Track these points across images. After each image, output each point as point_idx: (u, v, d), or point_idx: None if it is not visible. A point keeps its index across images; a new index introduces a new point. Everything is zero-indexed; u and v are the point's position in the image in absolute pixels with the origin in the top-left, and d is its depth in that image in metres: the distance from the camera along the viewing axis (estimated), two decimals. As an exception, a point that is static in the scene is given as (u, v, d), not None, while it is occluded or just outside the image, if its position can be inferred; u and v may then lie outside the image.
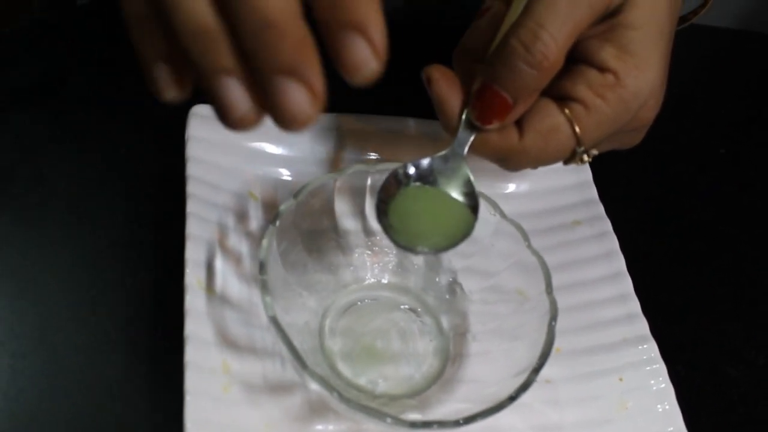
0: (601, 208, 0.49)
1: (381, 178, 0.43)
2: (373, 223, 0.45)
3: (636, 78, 0.38)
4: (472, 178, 0.38)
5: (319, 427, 0.38)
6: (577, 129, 0.37)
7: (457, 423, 0.35)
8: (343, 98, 0.51)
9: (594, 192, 0.50)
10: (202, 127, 0.45)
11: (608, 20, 0.38)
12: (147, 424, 0.38)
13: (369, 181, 0.43)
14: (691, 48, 0.69)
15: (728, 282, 0.52)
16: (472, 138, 0.37)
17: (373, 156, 0.48)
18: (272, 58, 0.26)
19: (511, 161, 0.38)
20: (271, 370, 0.39)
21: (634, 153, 0.58)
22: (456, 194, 0.38)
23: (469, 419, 0.35)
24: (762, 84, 0.69)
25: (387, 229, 0.36)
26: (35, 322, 0.40)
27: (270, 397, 0.38)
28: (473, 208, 0.38)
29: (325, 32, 0.27)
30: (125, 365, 0.39)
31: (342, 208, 0.43)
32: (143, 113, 0.49)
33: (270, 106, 0.26)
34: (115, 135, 0.48)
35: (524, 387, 0.36)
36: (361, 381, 0.40)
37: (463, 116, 0.37)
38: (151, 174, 0.46)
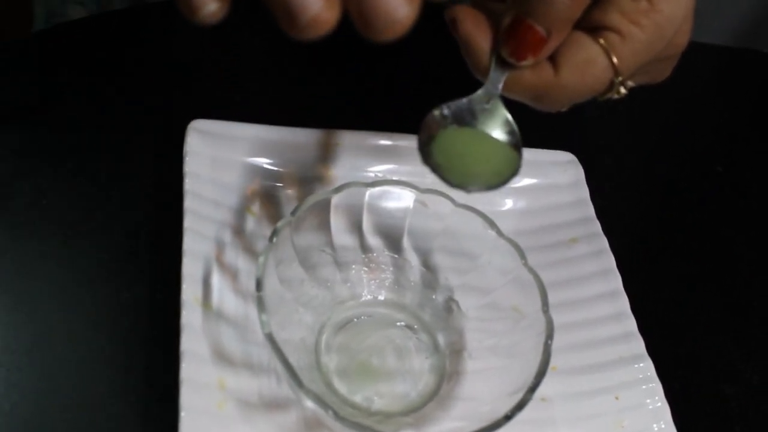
0: (598, 226, 0.49)
1: (378, 194, 0.44)
2: (372, 240, 0.45)
3: (670, 2, 0.36)
4: (509, 117, 0.37)
5: (314, 444, 0.38)
6: (614, 59, 0.36)
7: (452, 442, 0.35)
8: (343, 114, 0.52)
9: (591, 210, 0.50)
10: (200, 142, 0.45)
11: None
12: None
13: (366, 198, 0.43)
14: (688, 65, 0.69)
15: (725, 301, 0.52)
16: (505, 76, 0.36)
17: (371, 172, 0.48)
18: None
19: (547, 98, 0.37)
20: (267, 386, 0.39)
21: (630, 167, 0.58)
22: (497, 134, 0.37)
23: (465, 438, 0.35)
24: (760, 102, 0.69)
25: (435, 169, 0.35)
26: (30, 337, 0.40)
27: (265, 414, 0.38)
28: (515, 146, 0.37)
29: None
30: (120, 381, 0.39)
31: (339, 224, 0.43)
32: (142, 128, 0.49)
33: (357, 9, 0.24)
34: (113, 149, 0.48)
35: (520, 406, 0.36)
36: (357, 398, 0.40)
37: (494, 56, 0.36)
38: (149, 189, 0.46)
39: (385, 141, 0.48)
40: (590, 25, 0.36)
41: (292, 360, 0.36)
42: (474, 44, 0.36)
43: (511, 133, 0.37)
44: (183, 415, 0.36)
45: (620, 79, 0.37)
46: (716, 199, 0.59)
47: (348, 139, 0.48)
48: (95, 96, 0.50)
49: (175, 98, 0.51)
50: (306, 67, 0.56)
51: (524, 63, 0.35)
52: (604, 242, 0.48)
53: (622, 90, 0.38)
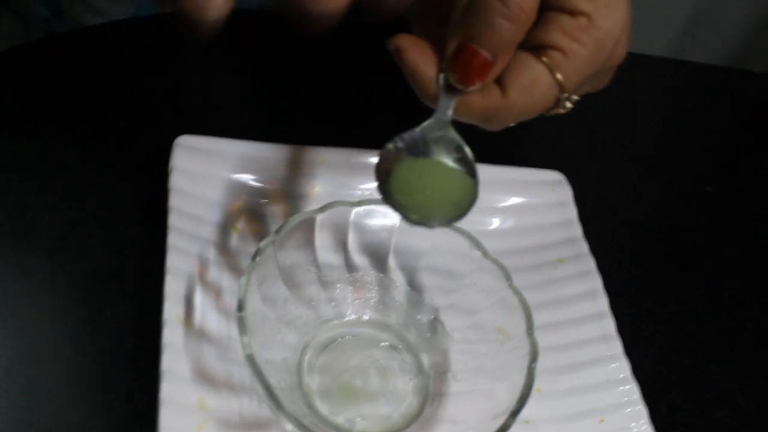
0: (585, 247, 0.49)
1: (364, 212, 0.43)
2: (357, 259, 0.45)
3: (608, 17, 0.37)
4: (462, 143, 0.37)
5: (295, 465, 0.38)
6: (559, 76, 0.37)
7: (433, 465, 0.34)
8: (328, 132, 0.51)
9: (578, 230, 0.50)
10: (186, 157, 0.45)
11: None
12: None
13: (352, 217, 0.43)
14: (678, 85, 0.69)
15: (713, 323, 0.52)
16: (454, 102, 0.36)
17: (357, 190, 0.48)
18: None
19: (496, 119, 0.38)
20: (248, 407, 0.39)
21: (618, 187, 0.58)
22: (450, 162, 0.37)
23: (446, 462, 0.34)
24: (749, 121, 0.69)
25: (396, 207, 0.35)
26: (11, 355, 0.39)
27: (246, 435, 0.38)
28: (470, 173, 0.37)
29: None
30: (102, 400, 0.39)
31: (324, 243, 0.43)
32: (127, 143, 0.49)
33: None
34: (97, 165, 0.48)
35: (502, 430, 0.36)
36: (339, 419, 0.40)
37: (441, 81, 0.36)
38: (134, 205, 0.46)
39: (371, 158, 0.48)
40: (532, 44, 0.37)
41: (274, 381, 0.36)
42: (420, 73, 0.36)
43: (463, 159, 0.37)
44: (161, 436, 0.35)
45: (566, 95, 0.38)
46: (705, 219, 0.59)
47: (334, 156, 0.48)
48: (80, 111, 0.50)
49: (161, 114, 0.51)
50: (292, 83, 0.56)
51: (472, 88, 0.36)
52: (591, 263, 0.48)
53: (568, 104, 0.38)
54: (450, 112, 0.36)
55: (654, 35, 0.71)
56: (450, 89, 0.36)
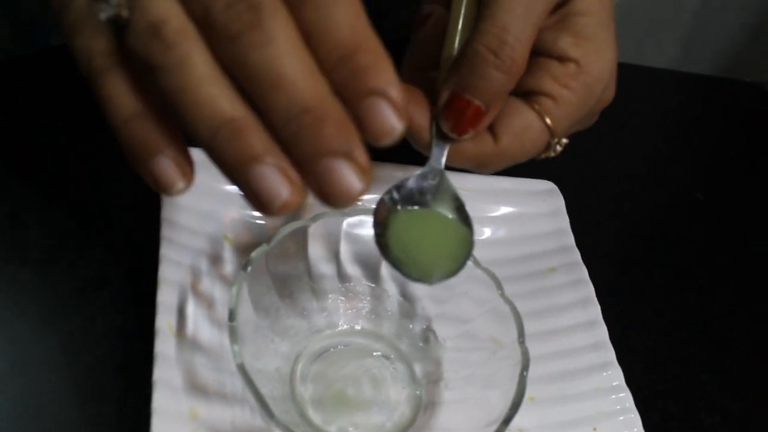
0: (577, 255, 0.49)
1: (356, 222, 0.44)
2: (349, 269, 0.45)
3: (596, 63, 0.38)
4: (456, 191, 0.37)
5: (288, 475, 0.38)
6: (549, 122, 0.38)
7: (424, 473, 0.34)
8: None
9: (571, 239, 0.50)
10: (178, 169, 0.45)
11: (559, 10, 0.38)
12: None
13: (344, 226, 0.43)
14: (669, 94, 0.70)
15: (705, 331, 0.52)
16: (446, 149, 0.37)
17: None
18: (315, 143, 0.25)
19: (488, 166, 0.38)
20: (240, 417, 0.39)
21: (611, 197, 0.58)
22: (446, 210, 0.37)
23: (438, 470, 0.35)
24: (740, 130, 0.70)
25: (395, 264, 0.35)
26: (3, 365, 0.39)
27: (238, 445, 0.38)
28: (465, 220, 0.37)
29: (348, 102, 0.26)
30: (93, 410, 0.39)
31: (316, 252, 0.43)
32: (119, 154, 0.49)
33: (318, 188, 0.26)
34: (89, 176, 0.48)
35: (494, 439, 0.36)
36: (332, 429, 0.40)
37: (433, 129, 0.36)
38: (126, 216, 0.46)
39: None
40: (523, 90, 0.38)
41: (266, 390, 0.36)
42: (412, 121, 0.36)
43: (459, 207, 0.37)
44: (154, 446, 0.35)
45: (556, 139, 0.39)
46: (697, 228, 0.59)
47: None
48: (71, 122, 0.50)
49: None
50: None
51: (465, 137, 0.36)
52: (584, 271, 0.48)
53: (558, 148, 0.39)
54: (443, 160, 0.37)
55: (645, 46, 0.72)
56: (442, 137, 0.37)
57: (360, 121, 0.26)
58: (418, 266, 0.36)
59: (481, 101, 0.35)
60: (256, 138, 0.26)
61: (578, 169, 0.59)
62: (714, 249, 0.57)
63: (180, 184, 0.28)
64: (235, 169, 0.26)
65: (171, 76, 0.26)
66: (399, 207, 0.36)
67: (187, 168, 0.28)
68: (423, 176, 0.37)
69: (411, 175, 0.37)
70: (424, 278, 0.36)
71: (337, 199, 0.26)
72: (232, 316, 0.36)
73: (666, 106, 0.69)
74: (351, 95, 0.26)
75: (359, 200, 0.26)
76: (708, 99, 0.71)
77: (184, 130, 0.27)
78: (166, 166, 0.28)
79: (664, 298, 0.53)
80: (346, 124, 0.26)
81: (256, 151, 0.26)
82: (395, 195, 0.36)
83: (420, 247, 0.36)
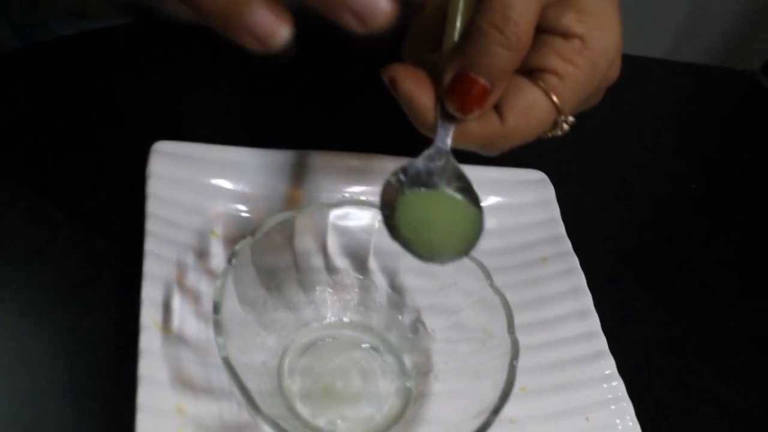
0: (568, 245, 0.49)
1: (342, 214, 0.43)
2: (337, 261, 0.45)
3: (601, 39, 0.37)
4: (463, 171, 0.36)
5: (276, 469, 0.37)
6: (555, 99, 0.37)
7: (412, 465, 0.34)
8: (308, 135, 0.51)
9: (561, 228, 0.50)
10: (163, 163, 0.44)
11: None
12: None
13: (331, 218, 0.43)
14: (662, 84, 0.69)
15: (700, 320, 0.52)
16: (452, 130, 0.36)
17: (338, 193, 0.48)
18: None
19: (495, 145, 0.38)
20: (228, 411, 0.38)
21: (603, 185, 0.58)
22: (453, 191, 0.36)
23: (425, 460, 0.34)
24: (733, 119, 0.69)
25: (405, 244, 0.34)
26: (-12, 364, 0.39)
27: (226, 439, 0.37)
28: (474, 201, 0.36)
29: None
30: (80, 408, 0.38)
31: (303, 245, 0.43)
32: (104, 150, 0.48)
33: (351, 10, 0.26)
34: (74, 172, 0.47)
35: (483, 428, 0.36)
36: (320, 422, 0.39)
37: (438, 110, 0.36)
38: (112, 213, 0.46)
39: (351, 161, 0.48)
40: (528, 67, 0.37)
41: (252, 384, 0.36)
42: (416, 103, 0.36)
43: (467, 188, 0.37)
44: (139, 441, 0.35)
45: (563, 117, 0.38)
46: (690, 217, 0.58)
47: (314, 159, 0.47)
48: (56, 119, 0.50)
49: (139, 120, 0.51)
50: (270, 87, 0.55)
51: (471, 116, 0.36)
52: (575, 261, 0.48)
53: (565, 126, 0.39)
54: (449, 141, 0.36)
55: (637, 36, 0.71)
56: (448, 117, 0.36)
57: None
58: (430, 246, 0.35)
59: (486, 79, 0.35)
60: None
61: (569, 159, 0.58)
62: (708, 238, 0.57)
63: (282, 30, 0.27)
64: (228, 19, 0.26)
65: None
66: (406, 189, 0.36)
67: (282, 10, 0.27)
68: (429, 158, 0.36)
69: (417, 157, 0.36)
70: (436, 258, 0.35)
71: (371, 18, 0.26)
72: (216, 308, 0.36)
73: (658, 95, 0.68)
74: None
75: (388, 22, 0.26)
76: (701, 88, 0.70)
77: None
78: (262, 14, 0.27)
79: (657, 287, 0.53)
80: None
81: None
82: (402, 177, 0.36)
83: (430, 227, 0.36)
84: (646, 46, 0.70)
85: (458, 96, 0.35)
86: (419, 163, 0.36)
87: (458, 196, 0.36)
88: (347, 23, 0.27)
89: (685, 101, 0.69)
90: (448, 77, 0.35)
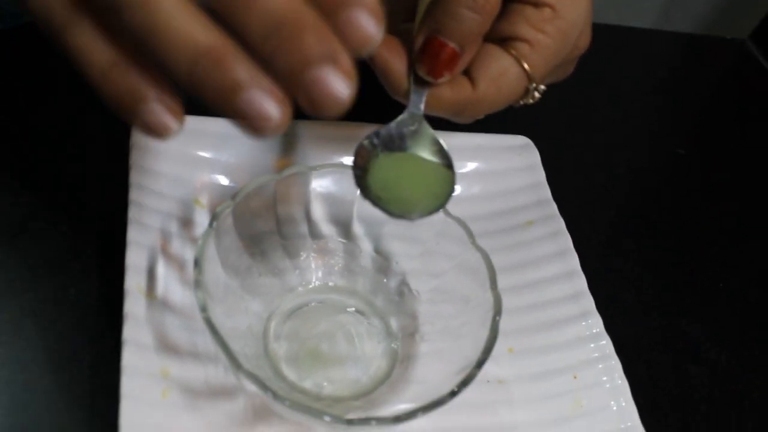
0: (554, 207, 0.49)
1: (325, 180, 0.43)
2: (321, 226, 0.45)
3: (571, 8, 0.38)
4: (437, 135, 0.37)
5: (262, 431, 0.37)
6: (526, 66, 0.38)
7: (396, 419, 0.34)
8: (295, 104, 0.51)
9: (547, 192, 0.50)
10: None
11: None
12: (85, 431, 0.37)
13: (312, 183, 0.43)
14: (652, 53, 0.69)
15: (688, 281, 0.52)
16: (425, 96, 0.36)
17: (322, 162, 0.47)
18: (297, 55, 0.25)
19: (467, 112, 0.38)
20: (214, 375, 0.38)
21: (591, 151, 0.58)
22: (426, 154, 0.37)
23: (409, 415, 0.34)
24: (723, 87, 0.69)
25: (375, 202, 0.35)
26: (-25, 334, 0.39)
27: (211, 402, 0.38)
28: (447, 164, 0.37)
29: (326, 14, 0.26)
30: (66, 375, 0.39)
31: (286, 210, 0.43)
32: (86, 122, 0.48)
33: (307, 99, 0.26)
34: (57, 145, 0.48)
35: (466, 382, 0.36)
36: (306, 384, 0.39)
37: (410, 77, 0.36)
38: (95, 186, 0.46)
39: (338, 130, 0.48)
40: (499, 36, 0.38)
41: (237, 347, 0.36)
42: (390, 69, 0.37)
43: (440, 151, 0.37)
44: (124, 404, 0.35)
45: (534, 85, 0.39)
46: (678, 181, 0.58)
47: (300, 129, 0.48)
48: (40, 91, 0.50)
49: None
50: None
51: (441, 80, 0.36)
52: (561, 223, 0.48)
53: (536, 94, 0.40)
54: (422, 106, 0.37)
55: (625, 6, 0.71)
56: (420, 82, 0.36)
57: (340, 32, 0.26)
58: (399, 203, 0.35)
59: (455, 43, 0.35)
60: (237, 64, 0.26)
61: (556, 128, 0.58)
62: (695, 200, 0.57)
63: (174, 125, 0.28)
64: (221, 100, 0.26)
65: (138, 13, 0.26)
66: (379, 151, 0.36)
67: (177, 107, 0.28)
68: (402, 123, 0.37)
69: (390, 122, 0.37)
70: (405, 214, 0.35)
71: (327, 108, 0.26)
72: (197, 264, 0.36)
73: (647, 65, 0.68)
74: (329, 6, 0.26)
75: (346, 107, 0.26)
76: (690, 57, 0.70)
77: (163, 69, 0.27)
78: (156, 110, 0.27)
79: (646, 249, 0.53)
80: (325, 31, 0.26)
81: (240, 77, 0.26)
82: (375, 140, 0.36)
83: (401, 185, 0.36)
84: (635, 16, 0.70)
85: (428, 59, 0.36)
86: (392, 127, 0.37)
87: (430, 158, 0.37)
88: (243, 130, 0.27)
89: (674, 70, 0.69)
90: (418, 42, 0.36)
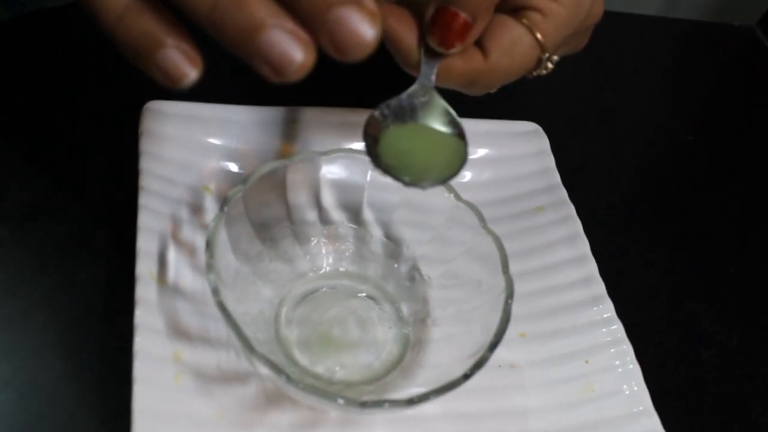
0: (564, 193, 0.48)
1: (335, 166, 0.43)
2: (331, 212, 0.44)
3: None
4: (448, 107, 0.37)
5: (274, 416, 0.37)
6: (539, 36, 0.37)
7: (409, 402, 0.34)
8: (302, 91, 0.51)
9: (557, 177, 0.49)
10: (155, 122, 0.44)
11: None
12: (97, 415, 0.37)
13: (322, 169, 0.43)
14: (659, 40, 0.69)
15: (698, 266, 0.51)
16: (436, 67, 0.36)
17: (331, 148, 0.47)
18: None
19: (479, 83, 0.38)
20: (225, 360, 0.38)
21: (598, 136, 0.58)
22: (437, 125, 0.36)
23: (422, 398, 0.34)
24: (730, 74, 0.69)
25: (387, 170, 0.34)
26: (-14, 321, 0.39)
27: (223, 386, 0.38)
28: (459, 135, 0.37)
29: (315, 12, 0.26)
30: (76, 360, 0.39)
31: (296, 196, 0.43)
32: (95, 109, 0.48)
33: (331, 41, 0.25)
34: (67, 131, 0.47)
35: (478, 365, 0.35)
36: (319, 369, 0.39)
37: (421, 48, 0.36)
38: (105, 171, 0.46)
39: (346, 116, 0.48)
40: (511, 6, 0.37)
41: (249, 332, 0.36)
42: (400, 40, 0.36)
43: (452, 122, 0.37)
44: (136, 388, 0.35)
45: (547, 55, 0.38)
46: (686, 166, 0.58)
47: (308, 115, 0.47)
48: (50, 79, 0.50)
49: (131, 79, 0.50)
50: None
51: (453, 51, 0.36)
52: (571, 209, 0.48)
53: (549, 65, 0.39)
54: (433, 78, 0.36)
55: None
56: (431, 54, 0.36)
57: (328, 31, 0.26)
58: (411, 171, 0.35)
59: (467, 13, 0.35)
60: (259, 3, 0.25)
61: (565, 114, 0.58)
62: (704, 186, 0.57)
63: (192, 72, 0.28)
64: (242, 41, 0.26)
65: None
66: (390, 122, 0.36)
67: (195, 55, 0.27)
68: (413, 94, 0.36)
69: (401, 94, 0.36)
70: (417, 182, 0.35)
71: (351, 50, 0.26)
72: (208, 247, 0.36)
73: (655, 52, 0.68)
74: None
75: (371, 51, 0.26)
76: (697, 43, 0.70)
77: (181, 12, 0.26)
78: (173, 55, 0.27)
79: (656, 233, 0.53)
80: None
81: (261, 16, 0.25)
82: (385, 111, 0.36)
83: (412, 154, 0.36)
84: (642, 3, 0.70)
85: (439, 30, 0.35)
86: (404, 98, 0.36)
87: (442, 128, 0.36)
88: (264, 74, 0.27)
89: (681, 57, 0.69)
90: (429, 12, 0.35)
